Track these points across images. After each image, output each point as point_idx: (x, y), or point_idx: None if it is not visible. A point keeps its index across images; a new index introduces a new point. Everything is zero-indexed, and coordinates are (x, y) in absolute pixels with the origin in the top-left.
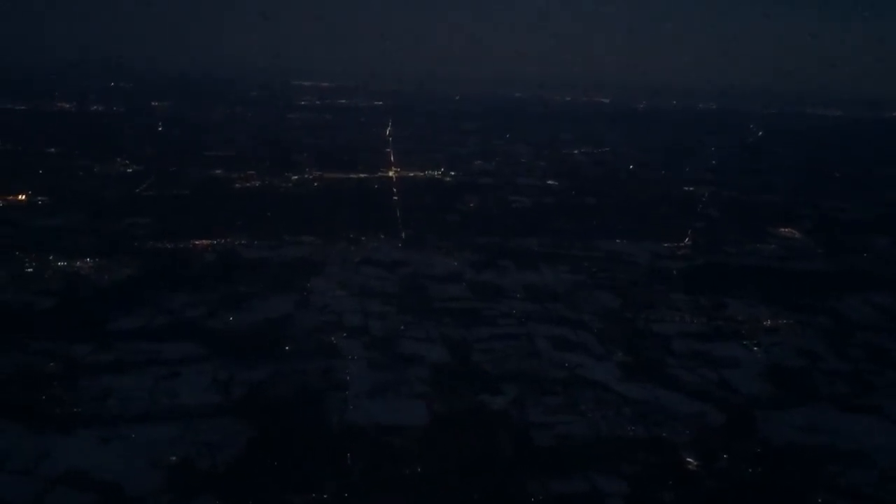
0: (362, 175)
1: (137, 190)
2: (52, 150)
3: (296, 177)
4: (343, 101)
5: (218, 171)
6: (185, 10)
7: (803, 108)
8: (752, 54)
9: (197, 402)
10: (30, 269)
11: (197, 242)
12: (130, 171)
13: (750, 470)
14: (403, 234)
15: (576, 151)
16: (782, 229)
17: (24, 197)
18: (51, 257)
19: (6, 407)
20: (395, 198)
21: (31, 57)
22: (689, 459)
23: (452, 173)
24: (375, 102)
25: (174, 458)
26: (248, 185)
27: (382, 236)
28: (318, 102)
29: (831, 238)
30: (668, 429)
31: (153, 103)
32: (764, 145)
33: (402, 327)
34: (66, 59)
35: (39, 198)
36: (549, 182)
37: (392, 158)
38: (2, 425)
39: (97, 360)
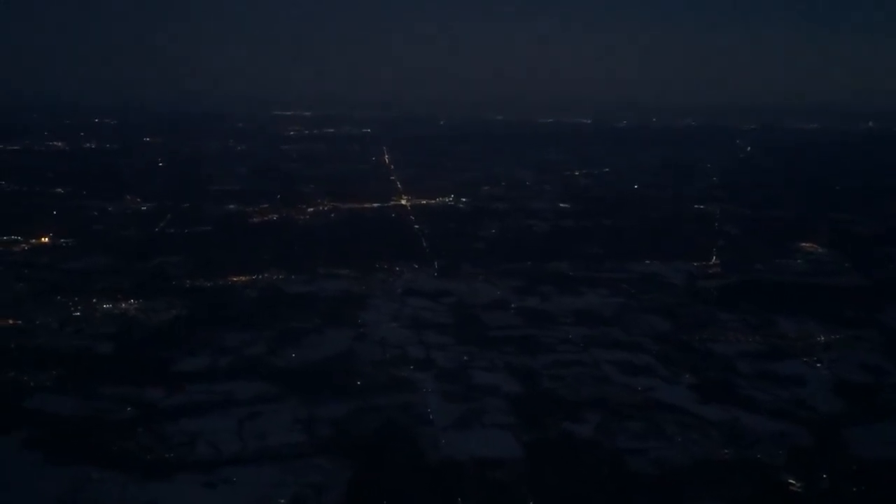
0: (375, 204)
1: (157, 228)
2: (60, 190)
3: (311, 209)
4: (331, 129)
5: (232, 206)
6: (145, 45)
7: (780, 121)
8: (721, 70)
9: (285, 442)
10: (77, 313)
11: (235, 279)
12: (144, 208)
13: (854, 489)
14: (436, 263)
15: (577, 173)
16: (803, 244)
17: (47, 239)
18: (94, 300)
19: (98, 455)
20: (416, 226)
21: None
22: (790, 481)
23: (464, 199)
24: (364, 130)
25: (283, 500)
26: (266, 218)
27: (416, 266)
28: (306, 132)
29: (853, 251)
30: (760, 450)
31: (146, 139)
32: (756, 160)
33: (466, 358)
34: (38, 97)
35: (63, 240)
36: (562, 205)
37: (400, 186)
38: (101, 474)
39: (173, 403)
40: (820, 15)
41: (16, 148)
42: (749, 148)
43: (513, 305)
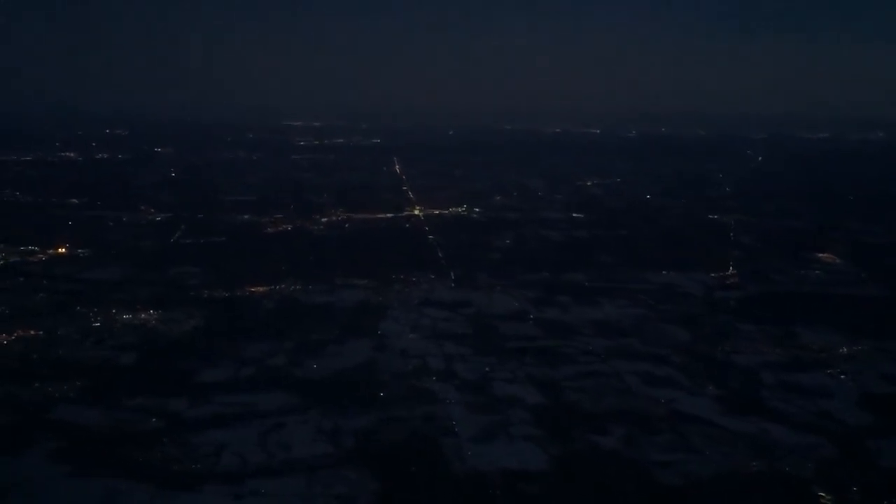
0: (389, 215)
1: (172, 239)
2: (74, 200)
3: (325, 219)
4: (341, 140)
5: (246, 216)
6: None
7: (790, 131)
8: (727, 79)
9: (311, 453)
10: (97, 324)
11: (253, 289)
12: (159, 219)
13: (885, 502)
14: (452, 274)
15: (589, 183)
16: (819, 254)
17: (64, 250)
18: (114, 311)
19: (125, 466)
20: (431, 236)
21: (10, 107)
22: (821, 493)
23: (477, 209)
24: (374, 140)
25: None
26: (280, 228)
27: (433, 276)
28: (316, 142)
29: (870, 262)
30: (789, 463)
31: (157, 149)
32: (768, 170)
33: (488, 369)
34: (48, 108)
35: (80, 250)
36: (575, 215)
37: (412, 196)
38: (128, 486)
39: (197, 414)
40: (825, 23)
41: (29, 159)
42: (760, 158)
43: (531, 316)
